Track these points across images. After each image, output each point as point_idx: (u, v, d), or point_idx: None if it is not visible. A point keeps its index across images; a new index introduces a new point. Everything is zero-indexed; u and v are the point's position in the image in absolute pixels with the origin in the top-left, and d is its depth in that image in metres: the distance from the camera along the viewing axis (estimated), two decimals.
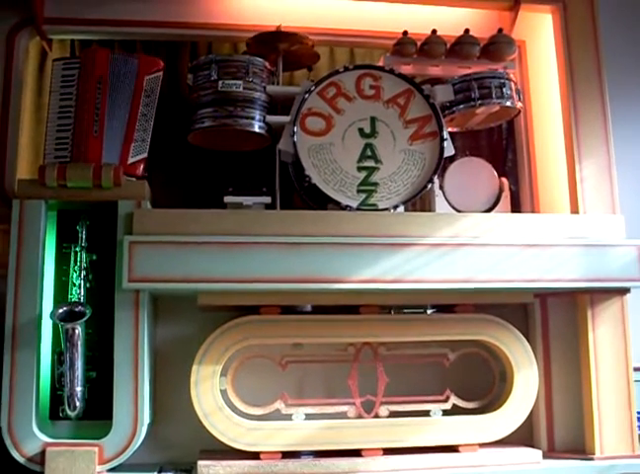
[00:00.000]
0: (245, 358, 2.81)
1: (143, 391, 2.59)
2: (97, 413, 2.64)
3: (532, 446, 2.95)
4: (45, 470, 2.49)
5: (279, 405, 2.77)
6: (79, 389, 2.58)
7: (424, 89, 3.05)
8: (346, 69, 3.03)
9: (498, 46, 3.17)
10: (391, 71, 3.06)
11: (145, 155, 2.91)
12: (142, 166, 2.90)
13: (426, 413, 2.82)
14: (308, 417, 2.77)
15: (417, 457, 2.72)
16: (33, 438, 2.53)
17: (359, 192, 2.91)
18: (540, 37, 3.39)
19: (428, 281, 2.72)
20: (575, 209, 3.09)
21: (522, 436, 2.94)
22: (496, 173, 3.17)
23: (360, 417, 2.80)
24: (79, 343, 2.57)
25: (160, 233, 2.64)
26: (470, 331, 2.88)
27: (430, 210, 3.07)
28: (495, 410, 2.85)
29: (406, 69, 3.13)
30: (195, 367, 2.70)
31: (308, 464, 2.66)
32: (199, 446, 2.78)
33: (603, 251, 2.87)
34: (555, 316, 3.07)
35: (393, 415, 2.81)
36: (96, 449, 2.52)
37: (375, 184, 2.93)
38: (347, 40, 3.38)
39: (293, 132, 2.89)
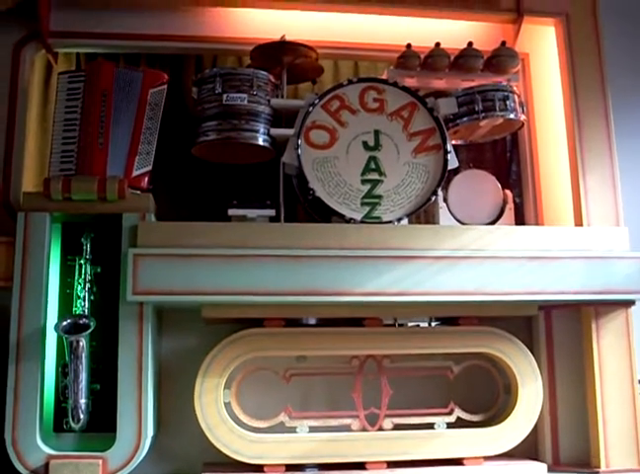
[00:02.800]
0: (249, 371, 2.81)
1: (147, 403, 2.59)
2: (101, 425, 2.63)
3: (537, 459, 2.94)
4: None
5: (282, 418, 2.77)
6: (83, 401, 2.58)
7: (427, 102, 3.06)
8: (350, 82, 3.05)
9: (501, 59, 3.18)
10: (395, 84, 3.07)
11: (150, 168, 2.92)
12: (147, 179, 2.91)
13: (430, 426, 2.82)
14: (312, 429, 2.76)
15: (421, 470, 2.72)
16: (36, 451, 2.53)
17: (362, 204, 2.92)
18: (543, 49, 3.40)
19: (431, 294, 2.72)
20: (579, 222, 3.10)
21: (527, 450, 2.94)
22: (500, 185, 3.17)
23: (364, 429, 2.79)
24: (83, 355, 2.58)
25: (164, 246, 2.65)
26: (474, 343, 2.87)
27: (434, 223, 3.07)
28: (499, 423, 2.84)
29: (410, 82, 3.14)
30: (198, 380, 2.70)
31: None
32: (202, 459, 2.78)
33: (608, 263, 2.86)
34: (559, 328, 3.06)
35: (397, 427, 2.81)
36: (100, 462, 2.52)
37: (379, 196, 2.93)
38: (351, 54, 3.39)
39: (297, 145, 2.90)
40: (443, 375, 2.91)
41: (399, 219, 2.91)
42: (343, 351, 2.83)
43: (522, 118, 3.15)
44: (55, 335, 2.62)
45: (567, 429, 2.99)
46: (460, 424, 2.85)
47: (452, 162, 3.00)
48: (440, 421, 2.83)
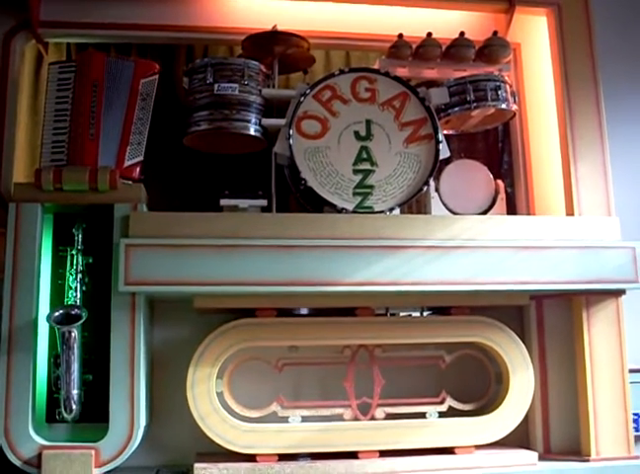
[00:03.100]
0: (241, 361, 2.81)
1: (140, 394, 2.60)
2: (93, 416, 2.64)
3: (528, 448, 2.95)
4: (42, 473, 2.49)
5: (275, 407, 2.78)
6: (75, 392, 2.59)
7: (419, 92, 3.06)
8: (341, 72, 3.04)
9: (493, 49, 3.18)
10: (387, 74, 3.07)
11: (141, 158, 2.91)
12: (138, 169, 2.90)
13: (422, 415, 2.83)
14: (304, 419, 2.77)
15: (413, 459, 2.73)
16: (29, 441, 2.53)
17: (354, 194, 2.92)
18: (535, 39, 3.40)
19: (423, 284, 2.72)
20: (570, 211, 3.10)
21: (518, 438, 2.95)
22: (491, 175, 3.18)
23: (356, 419, 2.80)
24: (75, 346, 2.58)
25: (156, 236, 2.64)
26: (466, 333, 2.88)
27: (425, 213, 3.07)
28: (491, 412, 2.85)
29: (401, 72, 3.14)
30: (191, 370, 2.70)
31: (304, 467, 2.66)
32: (195, 449, 2.78)
33: (599, 253, 2.87)
34: (551, 318, 3.08)
35: (389, 417, 2.82)
36: (92, 452, 2.53)
37: (371, 186, 2.93)
38: (342, 43, 3.37)
39: (289, 135, 2.89)
40: (435, 365, 2.92)
41: (391, 209, 2.91)
42: (335, 340, 2.84)
43: (514, 107, 3.15)
44: (47, 326, 2.62)
45: (558, 417, 3.01)
46: (452, 413, 2.86)
47: (444, 152, 3.00)
48: (431, 410, 2.84)
